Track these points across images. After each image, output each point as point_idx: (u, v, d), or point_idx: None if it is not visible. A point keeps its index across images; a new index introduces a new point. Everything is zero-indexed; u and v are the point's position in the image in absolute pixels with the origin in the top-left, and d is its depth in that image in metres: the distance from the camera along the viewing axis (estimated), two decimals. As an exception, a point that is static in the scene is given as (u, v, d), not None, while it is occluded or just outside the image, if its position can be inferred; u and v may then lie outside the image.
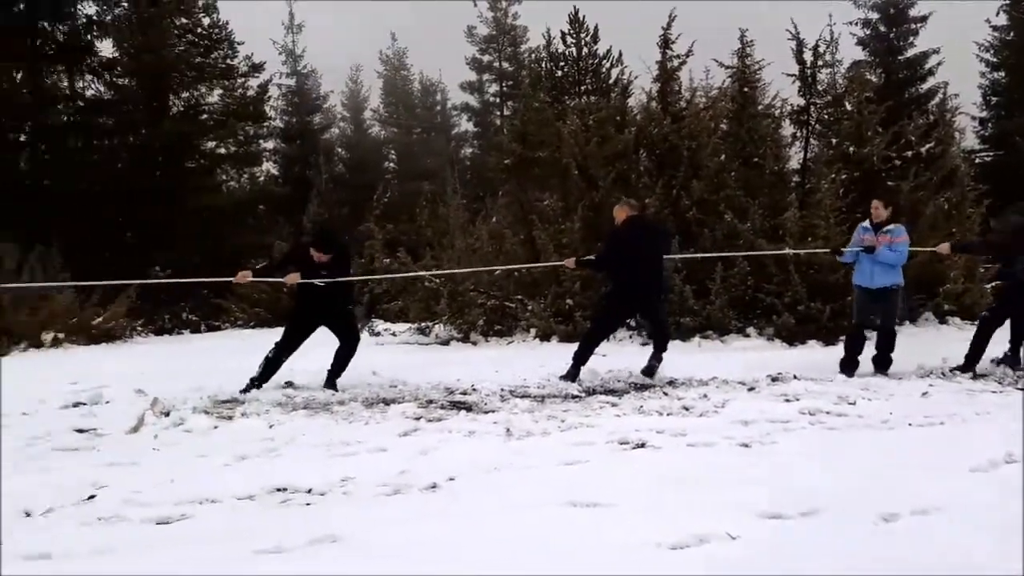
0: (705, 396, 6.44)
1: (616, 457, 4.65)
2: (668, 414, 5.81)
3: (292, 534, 3.30)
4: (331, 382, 7.10)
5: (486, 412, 5.96)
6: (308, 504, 3.87)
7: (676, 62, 12.63)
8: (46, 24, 20.71)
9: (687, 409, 5.98)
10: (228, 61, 23.07)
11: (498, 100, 36.71)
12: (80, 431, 5.50)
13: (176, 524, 3.57)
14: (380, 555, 3.07)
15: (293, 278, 7.08)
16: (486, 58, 36.77)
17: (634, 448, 4.81)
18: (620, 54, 18.74)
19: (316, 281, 6.94)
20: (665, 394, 6.67)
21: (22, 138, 21.17)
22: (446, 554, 3.05)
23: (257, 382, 6.93)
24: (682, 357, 8.49)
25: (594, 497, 3.68)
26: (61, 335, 12.78)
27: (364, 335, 11.93)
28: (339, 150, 34.62)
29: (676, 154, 11.65)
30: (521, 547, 3.10)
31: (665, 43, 12.51)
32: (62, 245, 15.58)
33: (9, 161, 20.53)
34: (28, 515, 3.70)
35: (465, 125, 39.13)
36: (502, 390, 6.93)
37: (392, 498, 3.95)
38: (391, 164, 36.64)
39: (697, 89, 13.91)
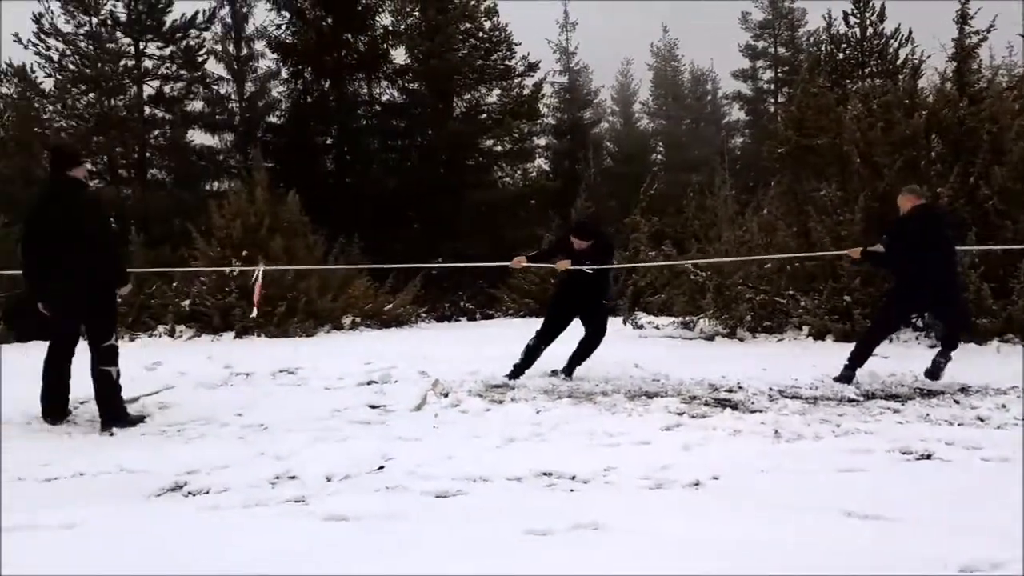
0: (1004, 407, 5.81)
1: (897, 468, 4.34)
2: (959, 424, 5.32)
3: (557, 518, 3.43)
4: (570, 369, 7.30)
5: (752, 411, 5.80)
6: (572, 490, 4.00)
7: (975, 38, 11.41)
8: (349, 36, 22.94)
9: (982, 420, 5.44)
10: (507, 62, 24.20)
11: (772, 87, 35.31)
12: (372, 407, 6.08)
13: (453, 498, 3.85)
14: (640, 546, 3.11)
15: (563, 264, 7.33)
16: (760, 44, 35.51)
17: (918, 459, 4.46)
18: (910, 32, 17.31)
19: (584, 268, 7.11)
20: (956, 402, 6.11)
21: (328, 141, 23.63)
22: (708, 551, 3.03)
23: (519, 368, 7.23)
24: (977, 362, 7.71)
25: (873, 509, 3.47)
26: (358, 319, 14.15)
27: (627, 328, 12.07)
28: (608, 144, 35.10)
29: (974, 139, 10.53)
30: (791, 551, 3.00)
31: (962, 18, 11.33)
32: (361, 237, 17.22)
33: (318, 162, 23.02)
34: (328, 480, 4.16)
35: (736, 114, 38.13)
36: (770, 389, 6.70)
37: (654, 491, 3.98)
38: (659, 156, 36.52)
39: (1000, 67, 12.47)
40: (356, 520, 3.50)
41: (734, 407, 5.98)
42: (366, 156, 23.46)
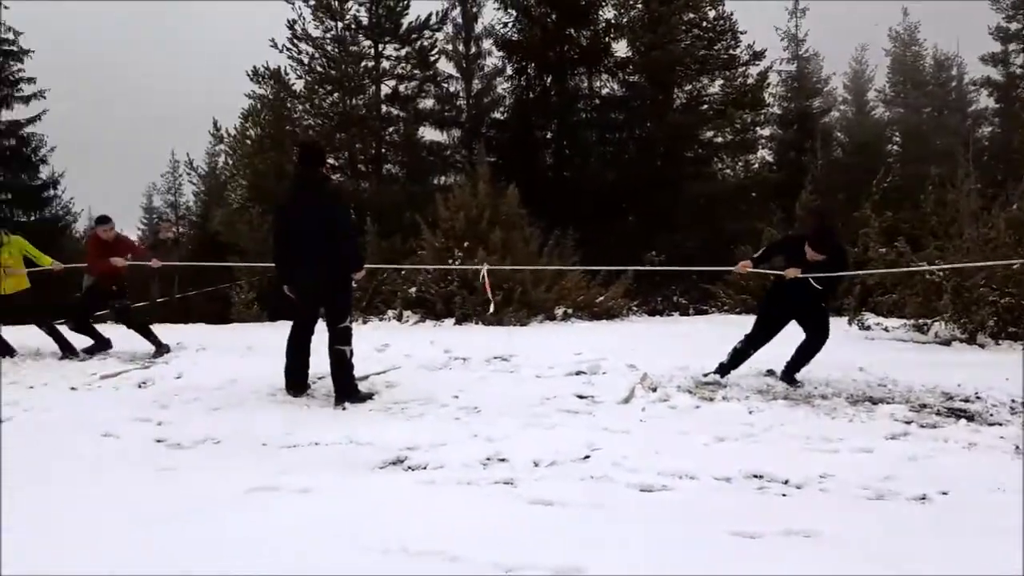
0: None
1: None
2: None
3: (767, 522, 3.34)
4: (789, 375, 6.84)
5: (991, 424, 5.32)
6: (784, 495, 3.87)
7: None
8: (572, 31, 23.26)
9: None
10: (730, 51, 23.53)
11: (1026, 71, 31.75)
12: (581, 397, 6.16)
13: (657, 493, 3.85)
14: (856, 557, 2.97)
15: (792, 273, 6.69)
16: (1013, 26, 32.02)
17: None
18: None
19: (812, 280, 6.57)
20: None
21: (548, 135, 24.09)
22: (929, 569, 2.84)
23: (725, 369, 6.93)
24: None
25: None
26: (570, 310, 14.35)
27: (853, 328, 11.39)
28: (838, 134, 33.13)
29: None
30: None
31: None
32: (576, 229, 17.43)
33: (538, 156, 23.55)
34: (536, 465, 4.29)
35: (984, 101, 34.62)
36: (1013, 401, 6.09)
37: (874, 503, 3.77)
38: (894, 147, 33.99)
39: None
40: (561, 506, 3.59)
41: (970, 418, 5.50)
42: (584, 149, 23.70)
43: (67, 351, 8.55)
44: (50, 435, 5.21)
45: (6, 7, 26.85)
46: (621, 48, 23.77)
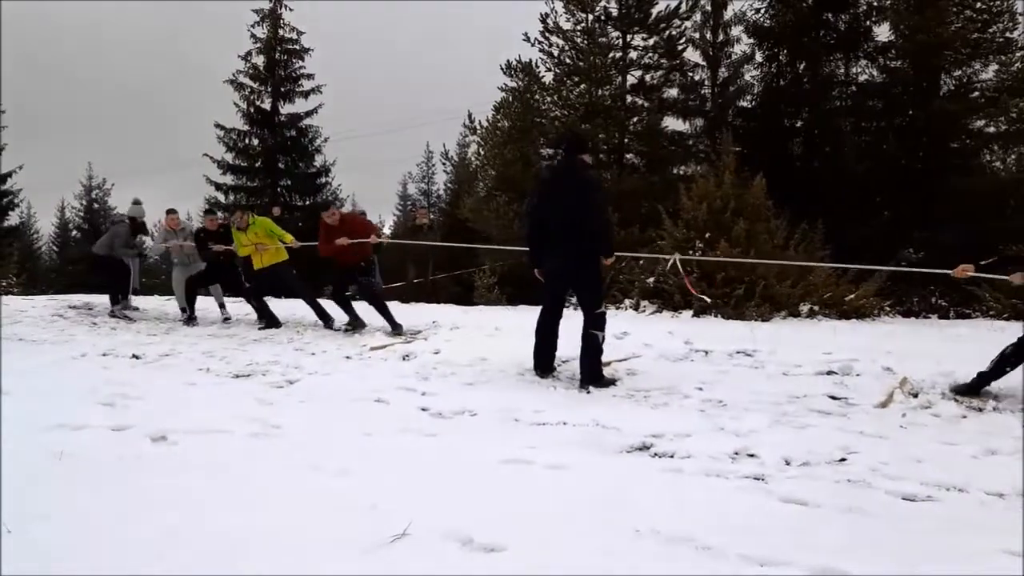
0: None
1: None
2: None
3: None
4: None
5: None
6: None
7: None
8: (830, 15, 22.08)
9: None
10: (1007, 34, 21.25)
11: None
12: (833, 398, 5.92)
13: (922, 503, 3.66)
14: None
15: (1019, 278, 5.99)
16: None
17: None
18: None
19: None
20: None
21: (798, 124, 23.06)
22: None
23: (985, 379, 6.12)
24: None
25: None
26: (816, 307, 13.71)
27: None
28: None
29: None
30: None
31: None
32: (825, 223, 16.58)
33: (785, 146, 22.63)
34: (787, 463, 4.21)
35: None
36: None
37: None
38: None
39: None
40: (815, 507, 3.52)
41: None
42: (837, 139, 22.38)
43: (326, 321, 9.61)
44: (333, 396, 5.84)
45: (290, 9, 29.79)
46: (883, 32, 22.22)
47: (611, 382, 6.38)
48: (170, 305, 12.45)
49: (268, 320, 10.16)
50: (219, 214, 11.78)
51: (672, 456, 4.37)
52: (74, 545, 2.90)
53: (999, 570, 2.87)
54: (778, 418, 5.21)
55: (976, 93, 21.65)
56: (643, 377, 6.66)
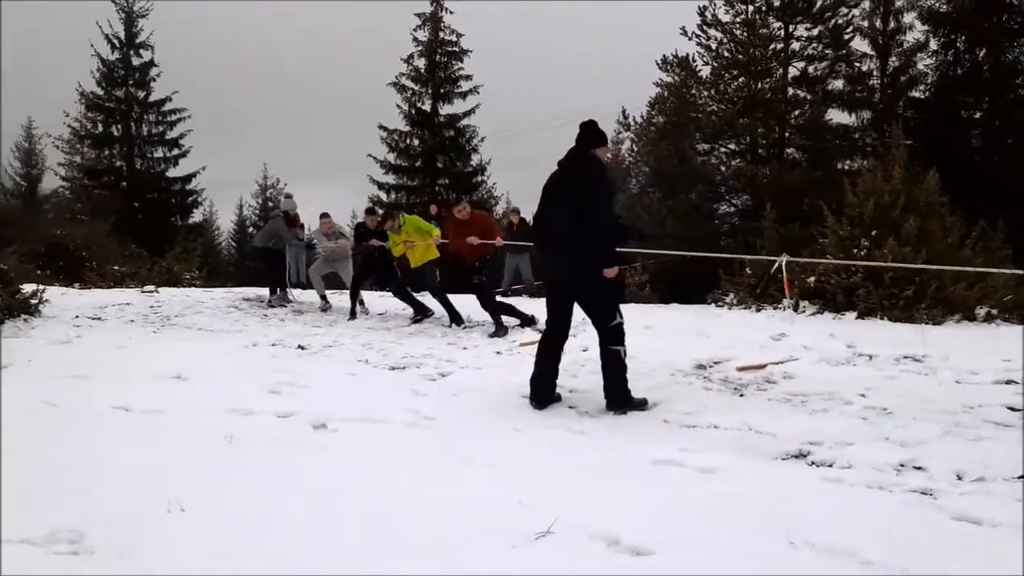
0: None
1: None
2: None
3: None
4: None
5: None
6: None
7: None
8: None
9: None
10: None
11: None
12: (1012, 409, 5.48)
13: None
14: None
15: None
16: None
17: None
18: None
19: None
20: None
21: (977, 115, 21.53)
22: None
23: None
24: None
25: None
26: (994, 311, 12.73)
27: None
28: None
29: None
30: None
31: None
32: (1007, 221, 15.39)
33: (962, 137, 21.17)
34: (959, 478, 3.93)
35: None
36: None
37: None
38: None
39: None
40: (990, 526, 3.27)
41: None
42: (1021, 131, 20.73)
43: (456, 320, 9.79)
44: (485, 390, 5.98)
45: (451, 12, 30.59)
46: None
47: (643, 403, 5.57)
48: (342, 299, 13.06)
49: (421, 311, 10.49)
50: (379, 211, 12.29)
51: (831, 465, 4.17)
52: (241, 527, 3.09)
53: None
54: (950, 429, 4.86)
55: None
56: (801, 381, 6.39)
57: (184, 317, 10.88)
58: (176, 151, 31.68)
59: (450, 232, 9.73)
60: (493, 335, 8.94)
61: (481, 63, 31.89)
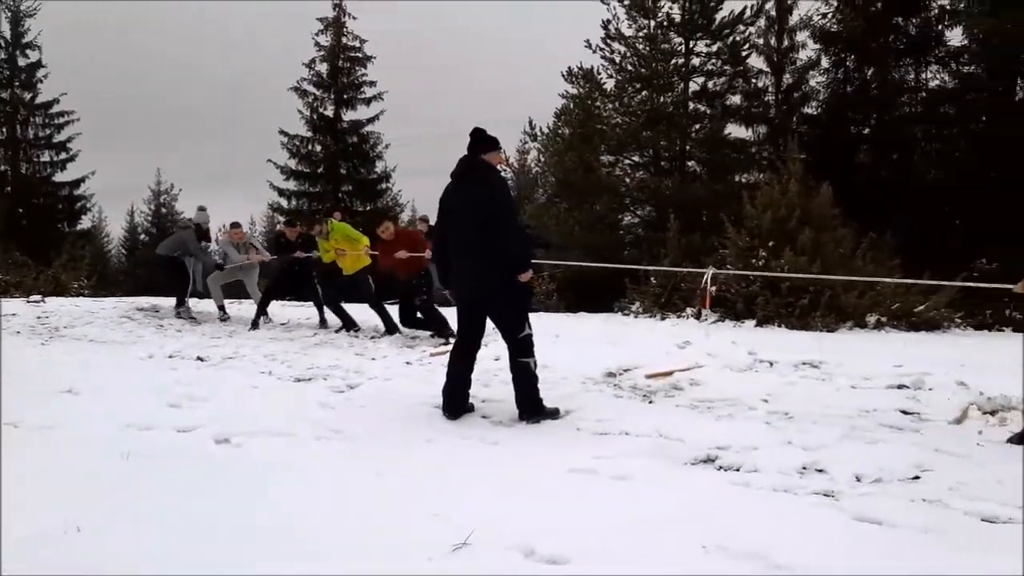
0: None
1: None
2: None
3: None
4: None
5: None
6: None
7: None
8: (900, 19, 21.59)
9: None
10: (1089, 36, 20.49)
11: None
12: (904, 412, 5.73)
13: (1003, 525, 3.49)
14: None
15: None
16: None
17: None
18: None
19: None
20: None
21: (865, 131, 22.56)
22: None
23: None
24: None
25: None
26: (884, 319, 13.35)
27: None
28: None
29: None
30: None
31: None
32: (894, 232, 16.16)
33: (852, 153, 22.15)
34: (858, 480, 4.07)
35: None
36: None
37: None
38: None
39: None
40: (890, 527, 3.38)
41: None
42: (907, 147, 21.82)
43: (391, 329, 9.68)
44: (395, 402, 5.86)
45: (354, 18, 30.28)
46: (955, 36, 21.62)
47: (555, 412, 5.51)
48: (241, 309, 12.69)
49: (348, 324, 10.31)
50: (299, 225, 11.98)
51: (739, 469, 4.26)
52: (144, 547, 2.94)
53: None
54: (847, 432, 5.04)
55: (1055, 99, 20.90)
56: (707, 387, 6.53)
57: (74, 328, 10.37)
58: (64, 155, 30.24)
59: (379, 254, 9.60)
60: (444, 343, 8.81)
61: (386, 70, 31.74)
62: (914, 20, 21.58)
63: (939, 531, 3.33)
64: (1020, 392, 6.29)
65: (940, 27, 21.45)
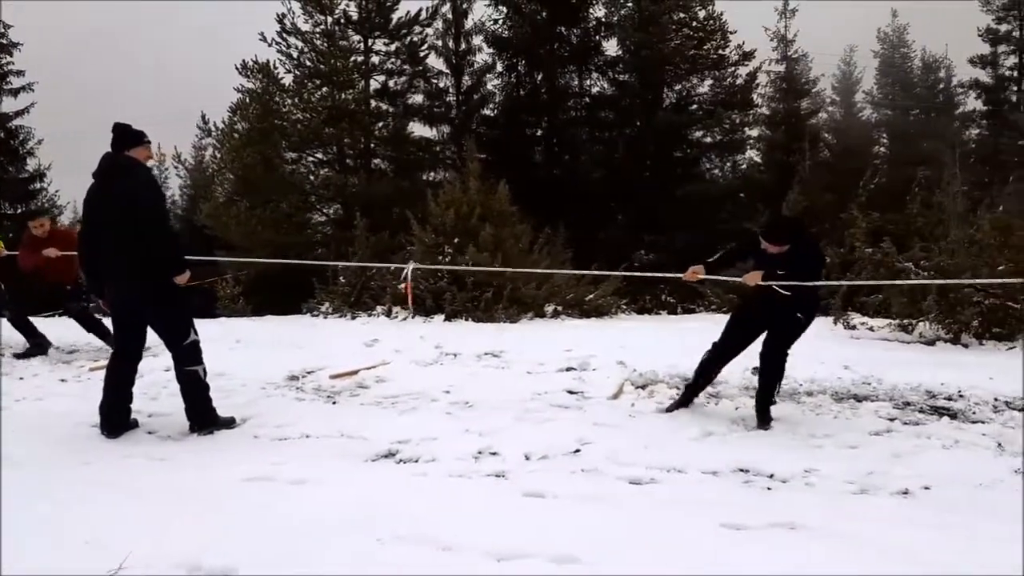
0: None
1: None
2: None
3: (752, 514, 3.41)
4: (763, 419, 5.37)
5: (974, 422, 5.41)
6: (769, 488, 3.95)
7: None
8: (563, 29, 23.35)
9: None
10: (720, 51, 23.63)
11: (1015, 74, 32.00)
12: (571, 392, 6.22)
13: (647, 485, 3.92)
14: (838, 550, 3.04)
15: (753, 278, 5.34)
16: (1004, 27, 32.27)
17: None
18: None
19: (776, 286, 5.22)
20: None
21: (538, 133, 24.17)
22: (910, 560, 2.92)
23: (690, 394, 5.81)
24: None
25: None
26: (560, 308, 14.40)
27: (839, 328, 11.49)
28: (826, 135, 33.25)
29: None
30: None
31: None
32: (566, 227, 17.49)
33: (527, 153, 23.63)
34: (527, 458, 4.35)
35: (972, 104, 34.85)
36: (996, 400, 6.16)
37: (857, 496, 3.86)
38: (882, 148, 34.23)
39: None
40: (553, 498, 3.65)
41: (953, 416, 5.60)
42: (574, 148, 23.74)
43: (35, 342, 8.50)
44: (47, 422, 5.24)
45: (-3, -1, 26.74)
46: (611, 47, 23.89)
47: (230, 421, 5.25)
48: None
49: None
50: None
51: (417, 461, 4.37)
52: None
53: (712, 542, 3.13)
54: (521, 415, 5.37)
55: (695, 106, 23.83)
56: (392, 384, 6.61)
57: None
58: None
59: (24, 250, 8.17)
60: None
61: (41, 58, 28.40)
62: (575, 30, 23.49)
63: (594, 497, 3.65)
64: (666, 367, 7.12)
65: (598, 37, 23.56)
